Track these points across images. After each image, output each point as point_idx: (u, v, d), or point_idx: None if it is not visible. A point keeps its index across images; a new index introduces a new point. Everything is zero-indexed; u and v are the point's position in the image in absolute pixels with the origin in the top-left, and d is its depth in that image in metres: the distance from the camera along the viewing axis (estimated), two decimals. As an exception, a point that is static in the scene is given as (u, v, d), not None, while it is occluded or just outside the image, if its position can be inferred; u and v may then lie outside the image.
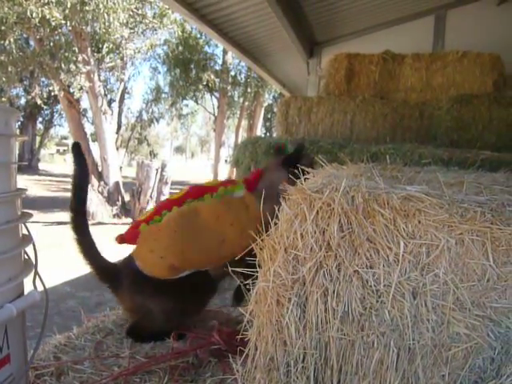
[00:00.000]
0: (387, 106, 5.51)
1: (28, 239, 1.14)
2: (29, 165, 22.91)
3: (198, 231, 1.70)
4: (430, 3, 6.95)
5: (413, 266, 0.96)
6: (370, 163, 4.03)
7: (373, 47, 6.41)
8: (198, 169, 32.53)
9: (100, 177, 11.78)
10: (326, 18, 6.63)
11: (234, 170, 4.86)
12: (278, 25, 6.01)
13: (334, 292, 1.01)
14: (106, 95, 14.89)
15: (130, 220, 10.96)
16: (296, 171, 1.70)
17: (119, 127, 20.19)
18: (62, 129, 29.44)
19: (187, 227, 1.72)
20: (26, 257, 1.16)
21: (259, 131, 17.63)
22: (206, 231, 1.71)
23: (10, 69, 11.75)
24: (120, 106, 20.04)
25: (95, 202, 10.73)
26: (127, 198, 11.81)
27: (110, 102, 16.40)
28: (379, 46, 6.31)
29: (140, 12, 12.93)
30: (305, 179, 1.15)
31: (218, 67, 15.96)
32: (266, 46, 7.44)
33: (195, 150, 50.85)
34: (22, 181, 17.73)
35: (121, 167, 14.09)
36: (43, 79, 15.18)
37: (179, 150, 49.56)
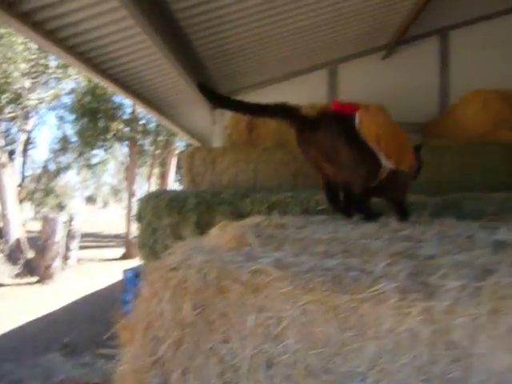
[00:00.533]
0: (288, 154, 5.75)
1: None
2: None
3: None
4: (323, 58, 7.47)
5: (264, 338, 1.00)
6: (269, 213, 4.15)
7: (272, 98, 6.72)
8: (111, 218, 31.45)
9: (0, 234, 11.01)
10: (227, 71, 6.89)
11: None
12: (180, 78, 6.14)
13: (193, 370, 1.02)
14: (6, 146, 14.16)
15: (35, 279, 10.28)
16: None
17: (23, 179, 19.17)
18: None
19: None
20: None
21: (172, 179, 17.54)
22: None
23: None
24: (23, 157, 19.09)
25: (-6, 261, 9.98)
26: (31, 255, 11.11)
27: (11, 154, 15.55)
28: (279, 97, 6.62)
29: (42, 62, 12.63)
30: (167, 254, 1.18)
31: (127, 116, 15.82)
32: (170, 97, 7.54)
33: (108, 200, 49.27)
34: None
35: (24, 223, 13.28)
36: None
37: (91, 199, 47.75)
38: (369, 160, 2.11)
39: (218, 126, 7.47)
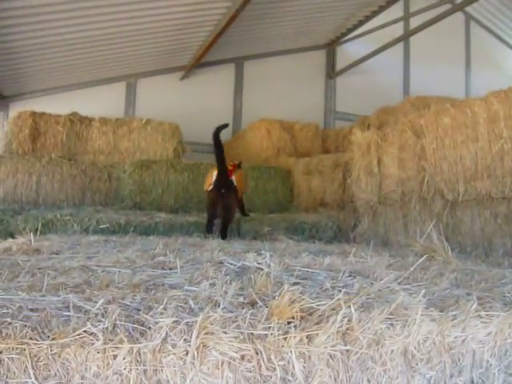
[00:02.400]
0: (75, 167, 5.41)
1: None
2: None
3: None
4: (121, 71, 7.29)
5: None
6: (45, 231, 3.79)
7: (66, 106, 6.30)
8: None
9: None
10: (11, 72, 6.20)
11: None
12: None
13: None
14: None
15: None
16: None
17: None
18: None
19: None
20: None
21: None
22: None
23: None
24: None
25: None
26: None
27: None
28: (73, 106, 6.25)
29: None
30: None
31: None
32: None
33: None
34: None
35: None
36: None
37: None
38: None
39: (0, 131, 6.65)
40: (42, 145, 5.64)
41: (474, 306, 1.22)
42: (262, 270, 1.54)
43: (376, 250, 3.12)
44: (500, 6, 9.81)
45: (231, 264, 1.72)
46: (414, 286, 1.51)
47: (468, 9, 9.78)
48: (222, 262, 1.76)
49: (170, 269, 1.65)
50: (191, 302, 1.14)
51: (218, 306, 1.14)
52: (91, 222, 3.88)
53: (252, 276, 1.42)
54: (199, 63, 7.55)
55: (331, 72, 9.34)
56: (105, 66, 6.97)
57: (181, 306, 1.11)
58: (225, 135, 7.99)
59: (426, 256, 2.15)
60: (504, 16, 10.20)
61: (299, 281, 1.51)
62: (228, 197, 3.70)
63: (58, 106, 6.47)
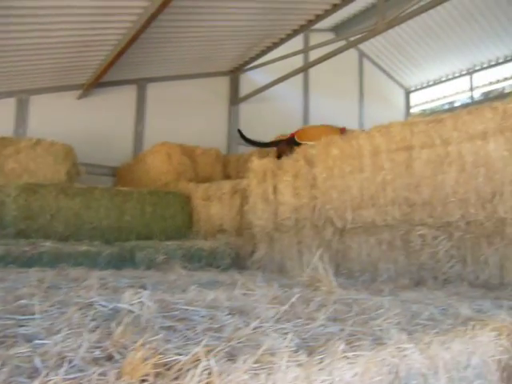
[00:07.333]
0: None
1: None
2: None
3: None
4: (11, 86, 6.82)
5: None
6: None
7: None
8: None
9: None
10: None
11: None
12: None
13: None
14: None
15: None
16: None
17: None
18: None
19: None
20: None
21: None
22: None
23: None
24: None
25: None
26: None
27: None
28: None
29: None
30: None
31: None
32: None
33: None
34: None
35: None
36: None
37: None
38: None
39: None
40: None
41: (342, 346, 1.22)
42: (133, 312, 1.44)
43: (268, 279, 3.14)
44: (388, 45, 10.69)
45: (102, 306, 1.59)
46: (290, 323, 1.49)
47: (361, 46, 10.57)
48: (92, 304, 1.62)
49: (32, 314, 1.47)
50: (37, 361, 1.00)
51: (68, 364, 0.99)
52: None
53: (114, 323, 1.30)
54: (99, 83, 7.29)
55: (234, 98, 9.49)
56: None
57: (21, 367, 0.97)
58: (125, 157, 7.83)
59: (310, 287, 2.20)
60: (391, 55, 11.12)
61: (173, 323, 1.42)
62: None
63: None
